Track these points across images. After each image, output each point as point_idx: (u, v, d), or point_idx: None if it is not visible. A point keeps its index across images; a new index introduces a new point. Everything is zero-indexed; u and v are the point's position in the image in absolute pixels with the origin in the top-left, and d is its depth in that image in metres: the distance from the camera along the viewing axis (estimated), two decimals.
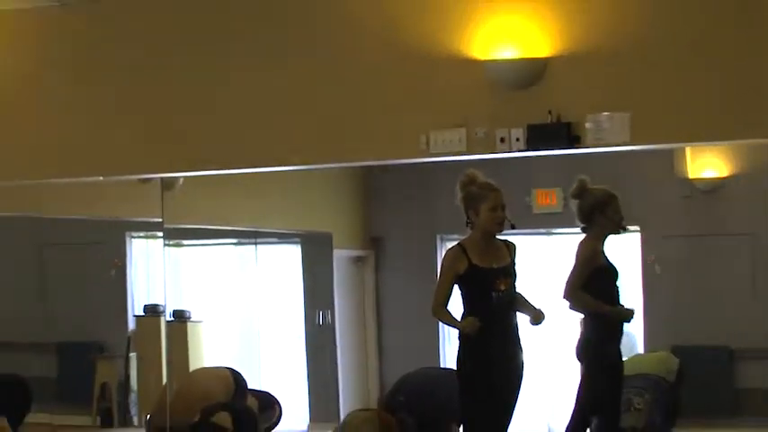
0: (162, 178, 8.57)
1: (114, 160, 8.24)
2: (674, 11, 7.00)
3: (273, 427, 8.05)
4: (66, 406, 9.04)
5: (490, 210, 6.66)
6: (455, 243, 6.79)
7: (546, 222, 8.70)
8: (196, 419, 7.39)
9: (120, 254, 9.68)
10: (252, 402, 7.93)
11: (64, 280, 9.55)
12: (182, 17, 8.02)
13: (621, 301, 7.21)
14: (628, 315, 7.18)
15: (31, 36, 8.41)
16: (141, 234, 9.85)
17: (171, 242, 9.32)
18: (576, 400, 7.05)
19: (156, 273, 9.17)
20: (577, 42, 7.24)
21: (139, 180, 8.62)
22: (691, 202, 8.73)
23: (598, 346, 6.94)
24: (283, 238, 10.07)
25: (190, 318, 9.08)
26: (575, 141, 7.28)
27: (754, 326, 8.37)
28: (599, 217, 7.06)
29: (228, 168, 8.14)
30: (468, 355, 6.64)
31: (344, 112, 7.62)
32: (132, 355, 8.89)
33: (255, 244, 10.00)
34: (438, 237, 9.84)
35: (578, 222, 7.16)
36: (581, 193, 7.23)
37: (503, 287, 6.61)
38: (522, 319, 6.84)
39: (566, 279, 7.11)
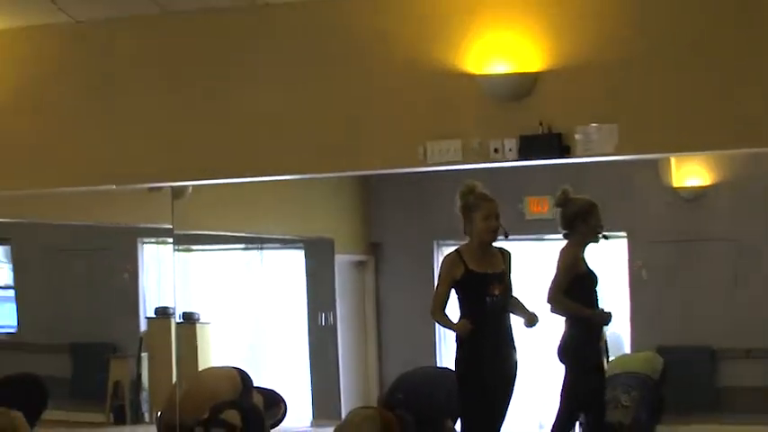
0: (172, 187, 8.56)
1: (126, 170, 8.25)
2: (660, 29, 6.99)
3: (278, 424, 8.03)
4: (81, 403, 9.02)
5: (484, 219, 6.67)
6: (453, 249, 6.81)
7: (538, 228, 8.70)
8: (205, 416, 7.37)
9: (132, 259, 9.68)
10: (258, 400, 7.91)
11: (79, 283, 9.54)
12: (192, 35, 8.01)
13: (602, 306, 7.19)
14: (606, 318, 7.18)
15: (49, 51, 8.41)
16: (152, 240, 9.83)
17: (180, 247, 9.31)
18: (560, 399, 7.05)
19: (167, 277, 9.16)
20: (567, 57, 7.24)
21: (150, 188, 8.62)
22: (675, 210, 8.76)
23: (578, 347, 6.92)
24: (287, 243, 10.06)
25: (199, 319, 9.07)
26: (565, 151, 7.27)
27: (734, 327, 8.39)
28: (581, 225, 7.04)
29: (235, 177, 8.15)
30: (463, 356, 6.66)
31: (346, 123, 7.61)
32: (144, 354, 8.87)
33: (261, 249, 9.99)
34: (435, 242, 9.85)
35: (560, 229, 7.15)
36: (564, 201, 7.22)
37: (496, 292, 6.62)
38: (517, 322, 6.87)
39: (549, 284, 7.11)
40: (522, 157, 7.34)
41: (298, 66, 7.87)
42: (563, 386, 6.98)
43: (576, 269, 7.04)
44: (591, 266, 7.09)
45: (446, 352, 7.49)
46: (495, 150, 7.51)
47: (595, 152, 7.51)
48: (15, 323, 9.53)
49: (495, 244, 6.79)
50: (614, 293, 8.72)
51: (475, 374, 6.56)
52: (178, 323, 8.69)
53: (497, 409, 6.63)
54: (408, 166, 7.98)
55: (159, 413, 8.43)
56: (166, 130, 8.12)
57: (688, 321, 8.56)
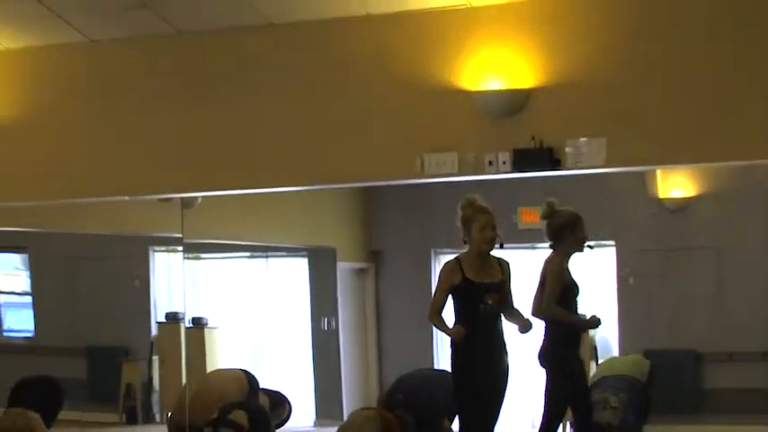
0: (182, 198, 8.58)
1: (138, 182, 8.26)
2: (646, 48, 7.01)
3: (284, 424, 8.02)
4: (95, 404, 9.00)
5: (481, 230, 6.68)
6: (453, 257, 6.83)
7: (530, 238, 8.67)
8: (214, 417, 7.36)
9: (143, 266, 9.67)
10: (264, 401, 7.90)
11: (93, 290, 9.54)
12: (201, 53, 8.02)
13: (585, 312, 7.21)
14: (595, 323, 7.18)
15: (66, 69, 8.43)
16: (163, 248, 9.82)
17: (190, 255, 9.31)
18: (544, 402, 7.05)
19: (177, 283, 9.15)
20: (558, 74, 7.25)
21: (161, 199, 8.63)
22: (661, 220, 8.75)
23: (558, 351, 6.92)
24: (292, 252, 10.05)
25: (207, 324, 9.06)
26: (556, 164, 7.27)
27: (718, 332, 8.39)
28: (569, 236, 7.02)
29: (241, 189, 8.15)
30: (457, 360, 6.67)
31: (348, 137, 7.62)
32: (155, 358, 8.84)
33: (266, 257, 9.98)
34: (432, 251, 9.84)
35: (547, 240, 7.14)
36: (550, 214, 7.21)
37: (490, 301, 6.62)
38: (510, 328, 6.88)
39: (538, 295, 7.08)
40: (515, 169, 7.34)
41: (302, 82, 7.87)
42: (545, 390, 6.99)
43: (563, 279, 7.05)
44: (574, 276, 7.11)
45: (443, 354, 7.48)
46: (490, 163, 7.51)
47: (585, 165, 7.52)
48: (33, 328, 9.54)
49: (494, 254, 6.81)
50: (603, 299, 8.73)
51: (468, 378, 6.57)
52: (187, 328, 8.69)
53: (490, 410, 6.65)
54: (407, 178, 7.98)
55: (170, 414, 8.42)
56: (176, 144, 8.13)
57: (674, 326, 8.56)
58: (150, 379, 8.88)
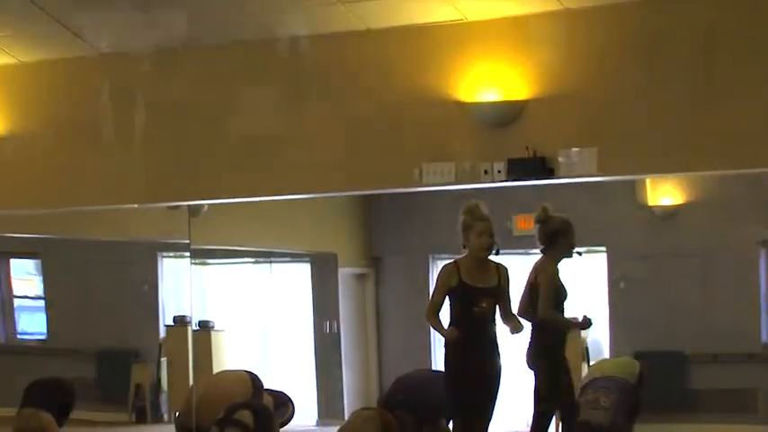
0: (189, 205, 8.60)
1: (147, 190, 8.28)
2: (635, 62, 7.05)
3: (287, 423, 7.99)
4: (106, 405, 9.01)
5: (478, 236, 6.70)
6: (452, 260, 6.86)
7: (525, 244, 8.66)
8: (220, 416, 7.36)
9: (152, 271, 9.69)
10: (268, 401, 7.87)
11: (104, 294, 9.55)
12: (208, 64, 8.06)
13: (582, 314, 7.24)
14: (587, 325, 7.21)
15: (80, 81, 8.45)
16: (171, 254, 9.84)
17: (197, 261, 9.32)
18: (533, 402, 7.06)
19: (184, 288, 9.16)
20: (551, 87, 7.28)
21: (169, 207, 8.65)
22: (650, 227, 8.77)
23: (545, 353, 6.94)
24: (295, 257, 10.05)
25: (213, 327, 9.05)
26: (549, 173, 7.28)
27: (704, 334, 8.40)
28: (561, 241, 7.04)
29: (247, 197, 8.17)
30: (449, 359, 6.70)
31: (349, 147, 7.65)
32: (163, 360, 8.86)
33: (270, 263, 9.98)
34: (431, 257, 9.84)
35: (539, 245, 7.15)
36: (545, 219, 7.22)
37: (484, 305, 6.64)
38: (504, 330, 6.91)
39: (529, 297, 7.07)
40: (510, 178, 7.35)
41: (304, 94, 7.91)
42: (534, 389, 7.01)
43: (555, 283, 7.07)
44: (563, 281, 7.12)
45: (441, 356, 7.50)
46: (486, 172, 7.52)
47: (577, 173, 7.53)
48: (45, 330, 9.55)
49: (493, 260, 6.83)
50: (594, 303, 8.74)
51: (459, 377, 6.60)
52: (194, 330, 8.68)
53: (482, 410, 6.67)
54: (405, 187, 8.00)
55: (177, 414, 8.39)
56: (184, 154, 8.16)
57: (662, 329, 8.57)
58: (159, 380, 8.89)
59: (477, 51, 7.55)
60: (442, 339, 6.78)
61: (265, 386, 8.17)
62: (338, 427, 7.44)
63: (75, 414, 7.38)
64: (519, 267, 8.46)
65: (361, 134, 7.60)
